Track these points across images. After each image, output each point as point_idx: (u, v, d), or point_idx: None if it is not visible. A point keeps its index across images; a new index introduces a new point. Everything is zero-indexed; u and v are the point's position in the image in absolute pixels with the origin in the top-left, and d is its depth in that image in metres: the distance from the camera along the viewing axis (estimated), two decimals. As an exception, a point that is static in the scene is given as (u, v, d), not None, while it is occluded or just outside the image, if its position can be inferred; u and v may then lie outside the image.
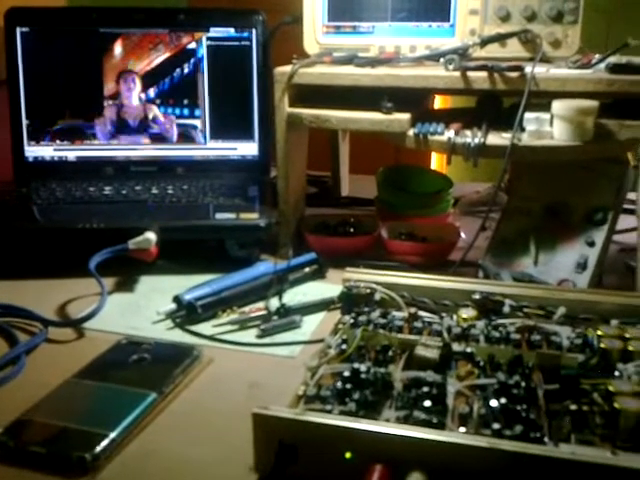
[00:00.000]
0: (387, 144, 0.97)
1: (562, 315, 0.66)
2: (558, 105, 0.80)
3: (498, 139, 0.82)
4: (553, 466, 0.45)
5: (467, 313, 0.68)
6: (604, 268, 0.85)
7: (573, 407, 0.53)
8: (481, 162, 0.82)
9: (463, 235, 1.00)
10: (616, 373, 0.57)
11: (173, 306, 0.79)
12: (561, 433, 0.51)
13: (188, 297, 0.78)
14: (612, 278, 0.84)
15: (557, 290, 0.70)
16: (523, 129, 0.82)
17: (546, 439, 0.49)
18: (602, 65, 0.85)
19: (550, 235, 0.84)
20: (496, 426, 0.49)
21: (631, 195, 0.84)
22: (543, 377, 0.57)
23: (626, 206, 0.86)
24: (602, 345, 0.60)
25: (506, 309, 0.68)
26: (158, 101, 1.10)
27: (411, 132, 0.87)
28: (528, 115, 0.82)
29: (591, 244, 0.80)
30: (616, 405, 0.51)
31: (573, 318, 0.66)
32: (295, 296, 0.83)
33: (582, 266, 0.79)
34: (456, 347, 0.61)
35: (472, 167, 0.82)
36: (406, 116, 0.88)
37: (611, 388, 0.53)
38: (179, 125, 1.10)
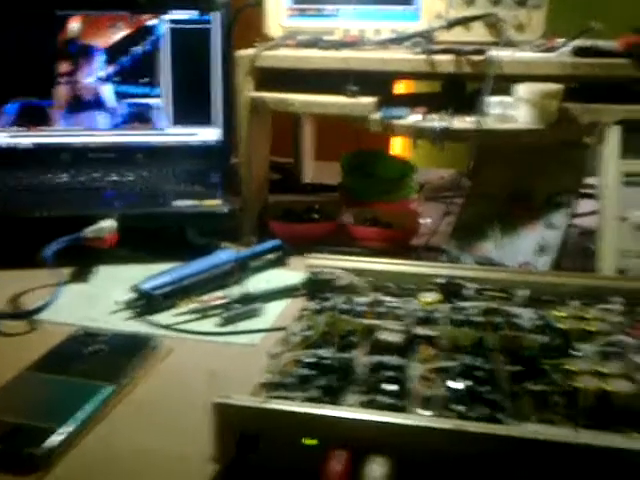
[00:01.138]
0: (352, 130, 0.96)
1: (524, 297, 0.66)
2: (523, 88, 0.80)
3: (463, 123, 0.82)
4: (517, 446, 0.45)
5: (430, 297, 0.68)
6: (565, 251, 0.86)
7: (534, 388, 0.53)
8: (445, 148, 0.82)
9: (427, 220, 1.00)
10: (576, 353, 0.57)
11: (131, 296, 0.77)
12: (522, 414, 0.51)
13: (147, 286, 0.76)
14: (571, 261, 0.85)
15: (519, 273, 0.70)
16: (487, 113, 0.82)
17: (510, 420, 0.49)
18: (566, 49, 0.86)
19: (512, 219, 0.85)
20: (460, 408, 0.48)
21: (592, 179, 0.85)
22: (505, 359, 0.57)
23: (585, 190, 0.87)
24: (562, 326, 0.60)
25: (469, 292, 0.68)
26: (116, 79, 1.07)
27: (376, 116, 0.86)
28: (492, 99, 0.82)
29: (552, 227, 0.81)
30: (575, 384, 0.51)
31: (535, 300, 0.66)
32: (258, 283, 0.82)
33: (543, 249, 0.80)
34: (419, 331, 0.61)
35: (436, 153, 0.82)
36: (371, 100, 0.87)
37: (570, 367, 0.53)
38: (136, 106, 1.07)
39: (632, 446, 0.44)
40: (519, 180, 0.86)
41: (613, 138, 0.78)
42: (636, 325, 0.61)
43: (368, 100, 0.87)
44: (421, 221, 1.00)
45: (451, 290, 0.68)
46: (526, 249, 0.82)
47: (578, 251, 0.88)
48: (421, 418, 0.47)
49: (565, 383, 0.53)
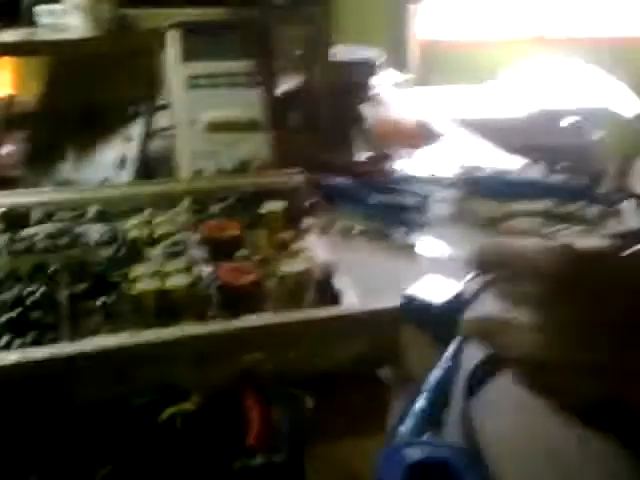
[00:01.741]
0: None
1: (94, 213, 0.64)
2: (68, -6, 0.75)
3: (12, 36, 0.74)
4: (77, 363, 0.44)
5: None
6: (153, 162, 0.86)
7: (99, 301, 0.52)
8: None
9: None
10: (145, 259, 0.58)
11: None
12: (90, 329, 0.51)
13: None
14: (159, 170, 0.86)
15: (91, 190, 0.68)
16: (40, 24, 0.75)
17: (67, 339, 0.48)
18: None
19: (88, 135, 0.81)
20: (5, 339, 0.45)
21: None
22: (73, 278, 0.55)
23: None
24: (130, 236, 0.60)
25: (37, 218, 0.63)
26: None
27: None
28: (41, 8, 0.75)
29: (128, 139, 0.80)
30: (135, 289, 0.52)
31: (108, 214, 0.65)
32: None
33: (122, 163, 0.79)
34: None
35: None
36: None
37: (132, 274, 0.54)
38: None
39: (185, 333, 0.47)
40: (91, 93, 0.83)
41: (173, 42, 0.78)
42: (201, 222, 0.64)
43: None
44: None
45: (14, 219, 0.62)
46: (106, 164, 0.80)
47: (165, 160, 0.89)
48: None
49: (130, 290, 0.53)
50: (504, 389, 0.46)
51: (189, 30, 0.80)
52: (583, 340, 0.39)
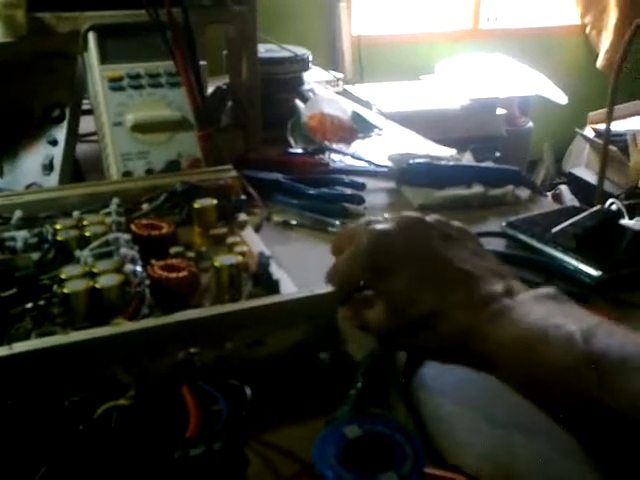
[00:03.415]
0: None
1: (19, 218, 0.63)
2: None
3: None
4: (7, 368, 0.43)
5: None
6: (84, 166, 0.85)
7: (29, 305, 0.51)
8: None
9: None
10: (75, 261, 0.57)
11: None
12: (20, 335, 0.49)
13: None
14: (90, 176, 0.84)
15: (14, 195, 0.66)
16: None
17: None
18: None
19: (10, 141, 0.79)
20: None
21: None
22: (0, 285, 0.54)
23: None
24: (59, 238, 0.59)
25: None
26: None
27: None
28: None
29: (54, 143, 0.78)
30: (65, 290, 0.51)
31: (33, 219, 0.64)
32: None
33: (49, 167, 0.77)
34: None
35: None
36: None
37: (62, 275, 0.53)
38: None
39: (117, 331, 0.46)
40: (10, 97, 0.80)
41: (92, 45, 0.77)
42: (132, 222, 0.63)
43: None
44: None
45: None
46: (32, 169, 0.77)
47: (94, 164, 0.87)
48: None
49: (60, 292, 0.52)
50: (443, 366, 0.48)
51: (108, 32, 0.78)
52: (399, 303, 0.47)
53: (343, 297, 0.51)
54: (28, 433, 0.40)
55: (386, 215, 0.54)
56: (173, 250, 0.60)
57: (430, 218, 0.52)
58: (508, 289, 0.46)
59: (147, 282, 0.53)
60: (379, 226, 0.50)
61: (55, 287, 0.53)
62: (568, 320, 0.41)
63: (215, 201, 0.67)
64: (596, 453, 0.42)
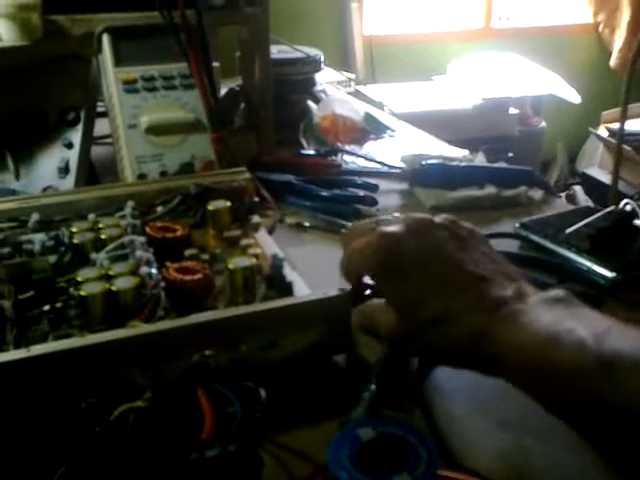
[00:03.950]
0: None
1: (36, 221, 0.63)
2: (-2, 2, 0.74)
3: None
4: (25, 370, 0.44)
5: None
6: (99, 169, 0.86)
7: (46, 308, 0.52)
8: None
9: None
10: (91, 263, 0.58)
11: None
12: (37, 337, 0.50)
13: None
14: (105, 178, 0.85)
15: (31, 198, 0.67)
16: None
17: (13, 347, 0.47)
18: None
19: (26, 144, 0.80)
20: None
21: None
22: (17, 287, 0.54)
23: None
24: (75, 241, 0.60)
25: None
26: None
27: None
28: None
29: (69, 146, 0.79)
30: (82, 292, 0.51)
31: (49, 222, 0.64)
32: None
33: (64, 170, 0.78)
34: None
35: None
36: None
37: (78, 278, 0.53)
38: None
39: (133, 333, 0.47)
40: (25, 100, 0.81)
41: (106, 47, 0.78)
42: (147, 225, 0.64)
43: None
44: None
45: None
46: (48, 172, 0.78)
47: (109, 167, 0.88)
48: None
49: (77, 295, 0.53)
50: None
51: (122, 34, 0.79)
52: (409, 307, 0.47)
53: (352, 290, 0.52)
54: (46, 435, 0.41)
55: (396, 214, 0.54)
56: (188, 252, 0.60)
57: (439, 218, 0.51)
58: (519, 292, 0.46)
59: (162, 284, 0.53)
60: (389, 228, 0.49)
61: (72, 290, 0.54)
62: (579, 323, 0.41)
63: (229, 203, 0.67)
64: (608, 454, 0.41)
